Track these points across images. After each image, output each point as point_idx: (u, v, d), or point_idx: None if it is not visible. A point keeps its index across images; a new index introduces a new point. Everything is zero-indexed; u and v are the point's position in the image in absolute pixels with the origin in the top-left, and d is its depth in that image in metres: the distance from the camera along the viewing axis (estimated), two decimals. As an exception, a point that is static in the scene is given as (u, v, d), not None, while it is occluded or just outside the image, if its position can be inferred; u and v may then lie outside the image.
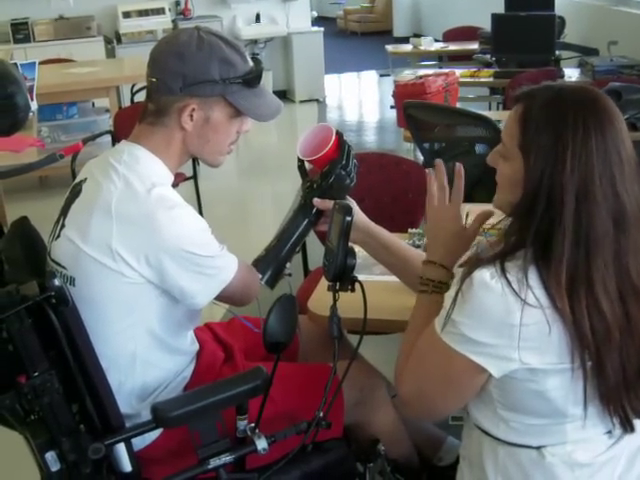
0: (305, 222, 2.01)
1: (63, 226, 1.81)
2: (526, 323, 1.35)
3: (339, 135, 1.98)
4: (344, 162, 1.96)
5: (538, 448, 1.50)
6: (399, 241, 2.01)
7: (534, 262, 1.38)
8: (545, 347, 1.38)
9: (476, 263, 1.42)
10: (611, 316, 1.37)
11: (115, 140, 4.87)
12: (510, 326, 1.36)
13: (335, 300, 1.68)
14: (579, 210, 1.36)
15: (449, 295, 1.45)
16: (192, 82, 1.77)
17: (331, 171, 1.95)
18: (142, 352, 1.82)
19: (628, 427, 1.48)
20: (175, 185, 1.89)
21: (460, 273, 1.45)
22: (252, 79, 1.83)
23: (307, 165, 2.04)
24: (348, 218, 1.65)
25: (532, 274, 1.37)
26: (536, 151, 1.41)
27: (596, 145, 1.37)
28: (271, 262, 1.99)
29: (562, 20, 6.65)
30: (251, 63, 1.86)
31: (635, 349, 1.42)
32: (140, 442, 1.78)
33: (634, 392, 1.45)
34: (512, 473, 1.52)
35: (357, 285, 1.70)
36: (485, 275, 1.38)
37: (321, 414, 1.67)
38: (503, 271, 1.37)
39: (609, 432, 1.51)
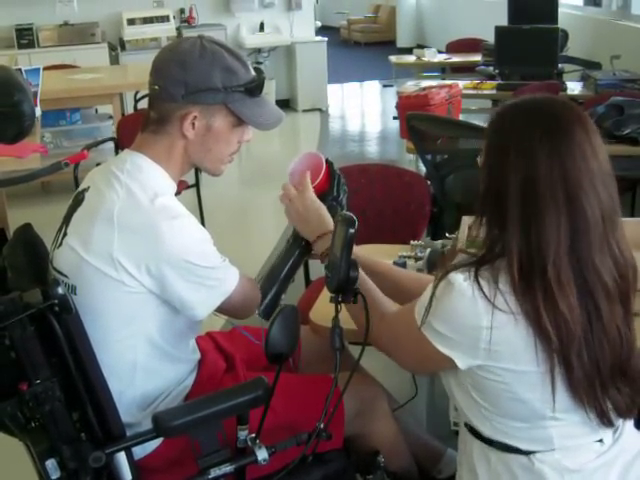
0: (297, 253, 2.03)
1: (65, 234, 1.82)
2: (495, 326, 1.43)
3: (329, 164, 2.01)
4: (335, 194, 2.00)
5: (527, 454, 1.53)
6: (387, 265, 2.02)
7: (507, 268, 1.43)
8: (512, 350, 1.44)
9: (453, 266, 1.49)
10: (573, 317, 1.41)
11: (118, 147, 4.88)
12: (479, 328, 1.44)
13: (337, 312, 1.68)
14: (526, 213, 1.42)
15: (428, 290, 1.53)
16: (194, 90, 1.77)
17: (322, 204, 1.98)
18: (143, 361, 1.82)
19: (607, 422, 1.51)
20: (177, 193, 1.90)
21: (438, 274, 1.53)
22: (254, 88, 1.84)
23: None
24: (351, 230, 1.65)
25: (503, 279, 1.43)
26: (488, 154, 1.51)
27: (541, 148, 1.42)
28: (266, 294, 2.00)
29: (565, 33, 6.67)
30: (253, 72, 1.86)
31: (610, 346, 1.46)
32: (141, 451, 1.78)
33: (613, 387, 1.49)
34: (504, 479, 1.56)
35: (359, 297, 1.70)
36: (459, 278, 1.45)
37: (322, 425, 1.67)
38: (476, 276, 1.44)
39: (600, 440, 1.55)
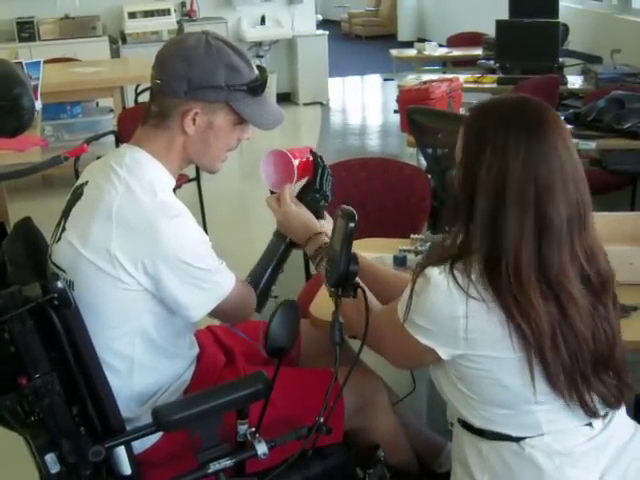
0: (283, 245, 2.06)
1: (64, 229, 1.81)
2: (470, 315, 1.48)
3: (314, 156, 2.02)
4: (317, 186, 2.02)
5: (518, 441, 1.56)
6: (376, 266, 2.03)
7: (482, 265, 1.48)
8: (488, 337, 1.49)
9: (429, 262, 1.55)
10: (539, 314, 1.45)
11: (119, 140, 4.87)
12: (456, 318, 1.49)
13: (337, 306, 1.68)
14: (493, 210, 1.47)
15: (408, 287, 1.58)
16: (197, 86, 1.77)
17: (303, 197, 2.02)
18: (140, 357, 1.82)
19: (590, 413, 1.54)
20: (178, 187, 1.89)
21: (415, 268, 1.59)
22: (257, 87, 1.84)
23: None
24: (351, 224, 1.65)
25: (475, 270, 1.48)
26: (464, 152, 1.54)
27: (516, 150, 1.46)
28: (255, 287, 2.01)
29: (566, 27, 6.65)
30: (256, 71, 1.86)
31: (586, 342, 1.49)
32: (140, 445, 1.78)
33: (597, 380, 1.53)
34: (497, 468, 1.58)
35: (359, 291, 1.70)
36: (434, 272, 1.51)
37: (322, 419, 1.67)
38: (451, 269, 1.49)
39: (589, 424, 1.57)
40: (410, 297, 1.56)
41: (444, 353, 1.55)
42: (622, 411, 1.66)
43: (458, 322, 1.49)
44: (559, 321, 1.47)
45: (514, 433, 1.57)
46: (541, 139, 1.47)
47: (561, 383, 1.49)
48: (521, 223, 1.45)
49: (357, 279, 1.69)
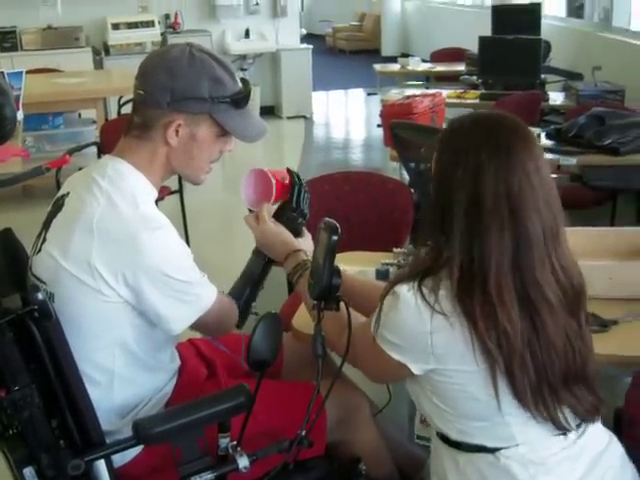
0: (262, 263, 2.06)
1: (44, 240, 1.80)
2: (434, 330, 1.49)
3: (291, 174, 2.02)
4: (294, 205, 2.03)
5: (493, 452, 1.57)
6: (356, 279, 2.04)
7: (453, 279, 1.49)
8: (454, 352, 1.50)
9: (398, 279, 1.56)
10: (514, 330, 1.46)
11: (101, 152, 4.85)
12: (424, 334, 1.50)
13: (320, 319, 1.68)
14: (470, 227, 1.48)
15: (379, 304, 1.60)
16: (180, 98, 1.77)
17: (280, 215, 2.02)
18: (120, 369, 1.81)
19: (560, 427, 1.55)
20: (161, 199, 1.89)
21: (385, 285, 1.61)
22: (240, 99, 1.84)
23: None
24: (334, 237, 1.65)
25: (443, 286, 1.49)
26: (437, 169, 1.56)
27: (487, 165, 1.47)
28: (236, 302, 2.01)
29: (548, 44, 6.71)
30: (240, 84, 1.86)
31: (558, 358, 1.50)
32: (120, 459, 1.77)
33: (568, 394, 1.53)
34: (472, 479, 1.59)
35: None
36: (403, 289, 1.52)
37: (303, 432, 1.66)
38: (420, 285, 1.51)
39: (564, 434, 1.58)
40: (379, 314, 1.58)
41: (416, 368, 1.57)
42: (597, 420, 1.66)
43: (427, 338, 1.51)
44: (532, 335, 1.48)
45: (489, 444, 1.58)
46: (512, 156, 1.48)
47: (527, 397, 1.50)
48: (499, 238, 1.46)
49: (339, 292, 1.69)
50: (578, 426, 1.61)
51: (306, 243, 2.01)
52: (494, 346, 1.46)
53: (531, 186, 1.48)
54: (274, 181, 1.99)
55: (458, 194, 1.49)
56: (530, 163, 1.49)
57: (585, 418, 1.59)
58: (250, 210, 2.05)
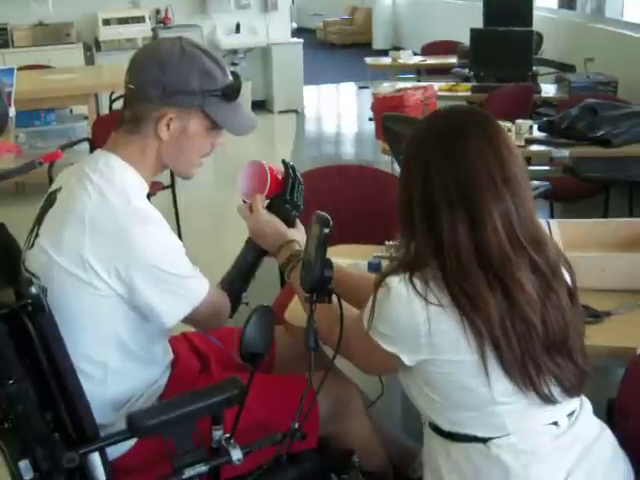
0: (255, 253, 2.06)
1: (37, 235, 1.80)
2: (431, 319, 1.52)
3: (286, 167, 2.02)
4: (287, 197, 2.03)
5: (484, 442, 1.59)
6: (352, 273, 2.06)
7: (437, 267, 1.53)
8: (449, 341, 1.53)
9: (389, 271, 1.59)
10: (491, 300, 1.50)
11: (93, 147, 4.84)
12: (417, 324, 1.53)
13: (312, 312, 1.68)
14: (426, 216, 1.54)
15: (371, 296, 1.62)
16: (171, 92, 1.77)
17: (274, 207, 2.02)
18: (113, 363, 1.81)
19: (548, 400, 1.56)
20: (152, 194, 1.89)
21: (376, 278, 1.64)
22: (231, 93, 1.84)
23: None
24: (326, 230, 1.66)
25: (431, 276, 1.53)
26: (401, 168, 1.65)
27: (434, 154, 1.55)
28: (227, 292, 2.01)
29: (540, 36, 6.72)
30: (231, 77, 1.87)
31: (535, 329, 1.53)
32: (114, 451, 1.78)
33: (552, 364, 1.55)
34: (464, 469, 1.61)
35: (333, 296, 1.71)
36: (395, 281, 1.55)
37: (296, 425, 1.67)
38: (411, 277, 1.54)
39: (555, 423, 1.60)
40: (373, 306, 1.60)
41: (408, 359, 1.59)
42: (588, 411, 1.68)
43: (419, 328, 1.53)
44: (506, 308, 1.51)
45: (480, 434, 1.59)
46: (457, 142, 1.54)
47: (513, 368, 1.52)
48: (451, 217, 1.51)
49: (331, 285, 1.70)
50: (570, 415, 1.62)
51: (299, 234, 2.01)
52: (480, 323, 1.49)
53: (486, 168, 1.52)
54: (269, 174, 1.99)
55: (413, 188, 1.57)
56: (483, 145, 1.54)
57: (569, 390, 1.60)
58: (244, 202, 2.05)
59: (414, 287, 1.52)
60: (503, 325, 1.50)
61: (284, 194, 2.02)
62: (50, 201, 1.83)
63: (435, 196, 1.53)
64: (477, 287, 1.50)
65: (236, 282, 2.04)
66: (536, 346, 1.53)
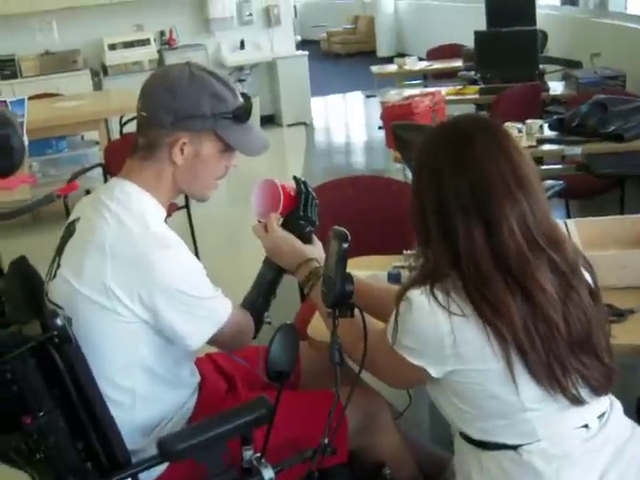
0: (273, 272, 2.05)
1: (59, 266, 1.82)
2: (455, 329, 1.52)
3: (298, 182, 2.03)
4: (301, 213, 2.02)
5: (515, 448, 1.58)
6: (370, 284, 2.05)
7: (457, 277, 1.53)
8: (474, 350, 1.53)
9: (409, 284, 1.59)
10: (512, 304, 1.50)
11: (106, 172, 4.89)
12: (441, 336, 1.53)
13: (335, 327, 1.69)
14: (442, 226, 1.55)
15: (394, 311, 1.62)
16: (183, 116, 1.79)
17: (288, 224, 2.01)
18: (141, 389, 1.82)
19: (576, 401, 1.56)
20: (168, 215, 1.90)
21: (397, 292, 1.63)
22: (242, 114, 1.86)
23: None
24: (344, 245, 1.67)
25: (452, 287, 1.53)
26: (412, 179, 1.65)
27: (445, 162, 1.55)
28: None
29: (544, 34, 6.71)
30: (241, 99, 1.88)
31: (557, 329, 1.52)
32: (147, 477, 1.78)
33: (578, 364, 1.55)
34: (496, 477, 1.61)
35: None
36: (416, 294, 1.55)
37: (326, 441, 1.67)
38: (432, 288, 1.54)
39: (585, 426, 1.59)
40: (396, 320, 1.60)
41: (435, 371, 1.59)
42: (619, 411, 1.67)
43: (444, 339, 1.53)
44: (528, 310, 1.51)
45: (511, 441, 1.59)
46: (468, 147, 1.55)
47: (539, 370, 1.52)
48: (467, 223, 1.52)
49: (353, 299, 1.70)
50: (601, 416, 1.61)
51: (316, 250, 2.01)
52: (503, 329, 1.49)
53: (498, 171, 1.53)
54: (282, 192, 2.00)
55: (426, 198, 1.57)
56: (493, 148, 1.55)
57: (597, 389, 1.59)
58: (259, 221, 2.06)
59: (435, 299, 1.52)
60: (526, 327, 1.50)
61: (297, 210, 2.03)
62: (69, 231, 1.84)
63: (449, 203, 1.53)
64: (497, 292, 1.50)
65: (257, 302, 2.04)
66: (560, 346, 1.53)
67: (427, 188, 1.58)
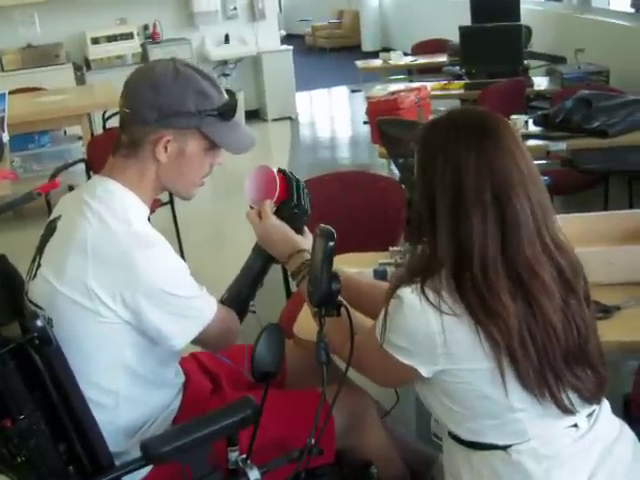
0: (262, 260, 2.02)
1: (39, 265, 1.79)
2: (446, 329, 1.50)
3: (284, 174, 2.00)
4: (294, 202, 1.99)
5: (505, 448, 1.58)
6: (358, 279, 2.03)
7: (449, 275, 1.51)
8: (465, 350, 1.51)
9: (400, 282, 1.56)
10: (507, 312, 1.47)
11: (89, 168, 4.83)
12: (432, 335, 1.51)
13: (321, 326, 1.67)
14: (454, 218, 1.50)
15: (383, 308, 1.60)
16: (167, 114, 1.76)
17: (282, 213, 1.98)
18: (125, 390, 1.80)
19: (566, 411, 1.55)
20: (152, 212, 1.88)
21: (387, 290, 1.61)
22: (227, 112, 1.83)
23: None
24: (330, 243, 1.65)
25: (444, 285, 1.51)
26: (419, 168, 1.58)
27: (468, 153, 1.50)
28: (232, 301, 1.99)
29: (529, 30, 6.71)
30: (226, 95, 1.85)
31: (557, 337, 1.51)
32: None
33: (571, 375, 1.54)
34: (486, 476, 1.60)
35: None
36: (406, 292, 1.53)
37: (312, 441, 1.65)
38: (422, 287, 1.51)
39: (574, 425, 1.59)
40: (385, 318, 1.58)
41: (425, 371, 1.57)
42: (607, 410, 1.67)
43: (434, 339, 1.52)
44: (528, 316, 1.49)
45: (501, 442, 1.58)
46: (491, 141, 1.52)
47: (531, 380, 1.50)
48: (483, 222, 1.49)
49: (340, 298, 1.68)
50: (589, 415, 1.61)
51: (308, 242, 1.98)
52: (497, 333, 1.47)
53: (517, 169, 1.50)
54: (278, 178, 1.97)
55: (440, 187, 1.52)
56: (514, 146, 1.52)
57: (589, 399, 1.59)
58: (251, 207, 2.02)
59: (426, 297, 1.51)
60: (521, 335, 1.48)
61: (291, 199, 2.00)
62: (50, 230, 1.81)
63: (467, 199, 1.49)
64: (499, 291, 1.48)
65: (244, 290, 2.01)
66: (557, 355, 1.51)
67: (444, 178, 1.52)
